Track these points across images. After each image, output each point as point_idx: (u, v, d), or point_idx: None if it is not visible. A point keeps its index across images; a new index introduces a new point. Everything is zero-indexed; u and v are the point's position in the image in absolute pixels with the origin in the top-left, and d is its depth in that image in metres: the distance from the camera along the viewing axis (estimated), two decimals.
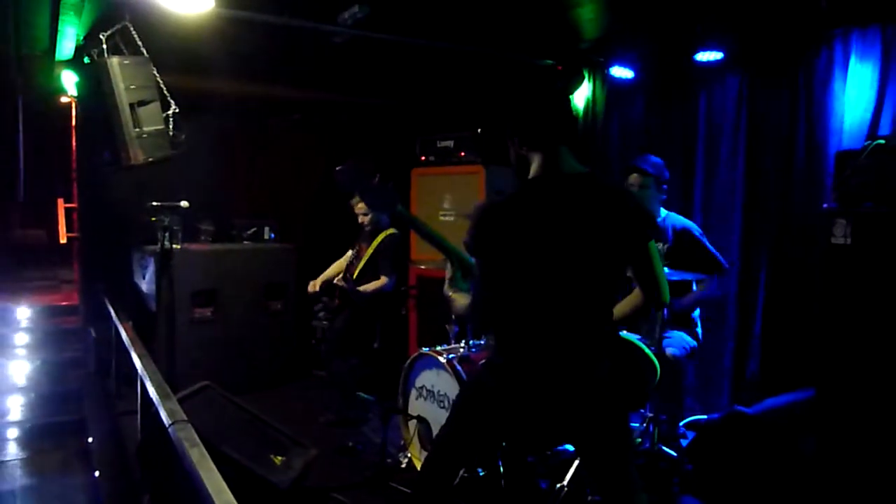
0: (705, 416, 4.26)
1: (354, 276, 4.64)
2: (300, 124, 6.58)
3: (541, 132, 2.08)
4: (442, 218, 5.44)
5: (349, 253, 4.92)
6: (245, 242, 5.85)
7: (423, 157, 5.63)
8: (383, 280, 4.58)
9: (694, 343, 3.77)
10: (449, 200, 5.40)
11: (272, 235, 5.97)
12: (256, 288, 5.53)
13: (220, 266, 5.35)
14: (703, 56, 4.35)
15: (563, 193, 2.01)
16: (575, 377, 2.01)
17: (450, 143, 5.40)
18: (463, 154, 5.30)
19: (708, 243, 3.71)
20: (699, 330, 3.85)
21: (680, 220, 3.79)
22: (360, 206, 4.71)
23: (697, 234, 3.71)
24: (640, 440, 3.56)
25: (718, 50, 4.29)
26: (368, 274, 4.64)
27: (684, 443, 3.75)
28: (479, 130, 5.21)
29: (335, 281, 4.71)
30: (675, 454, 3.58)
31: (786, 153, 4.07)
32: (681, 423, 4.06)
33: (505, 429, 2.15)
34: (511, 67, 5.15)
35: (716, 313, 4.37)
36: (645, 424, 3.57)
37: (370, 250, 4.68)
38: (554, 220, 1.98)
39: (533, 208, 2.00)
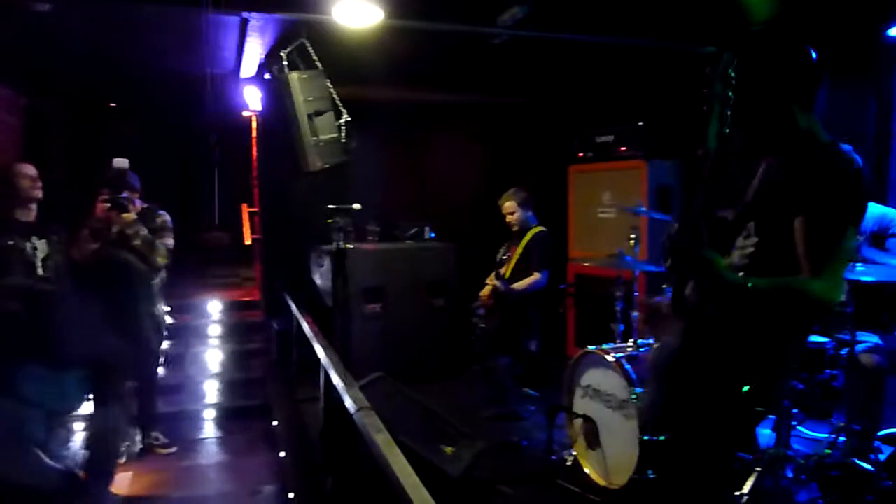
0: None
1: (506, 276, 4.67)
2: (458, 126, 6.76)
3: None
4: (601, 215, 5.35)
5: (501, 251, 4.96)
6: (408, 242, 6.11)
7: (580, 154, 5.56)
8: (535, 276, 4.57)
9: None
10: (609, 197, 5.29)
11: (432, 235, 6.17)
12: (420, 285, 5.76)
13: (386, 264, 5.64)
14: None
15: None
16: None
17: (610, 138, 5.29)
18: (624, 149, 5.16)
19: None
20: None
21: (876, 208, 3.54)
22: (507, 206, 4.73)
23: (890, 217, 3.48)
24: (829, 451, 3.29)
25: None
26: (520, 272, 4.64)
27: (881, 458, 3.41)
28: (640, 123, 5.06)
29: (488, 280, 4.75)
30: (871, 469, 3.26)
31: None
32: (877, 436, 3.70)
33: None
34: (672, 57, 4.94)
35: None
36: (835, 435, 3.30)
37: (520, 248, 4.69)
38: None
39: None
